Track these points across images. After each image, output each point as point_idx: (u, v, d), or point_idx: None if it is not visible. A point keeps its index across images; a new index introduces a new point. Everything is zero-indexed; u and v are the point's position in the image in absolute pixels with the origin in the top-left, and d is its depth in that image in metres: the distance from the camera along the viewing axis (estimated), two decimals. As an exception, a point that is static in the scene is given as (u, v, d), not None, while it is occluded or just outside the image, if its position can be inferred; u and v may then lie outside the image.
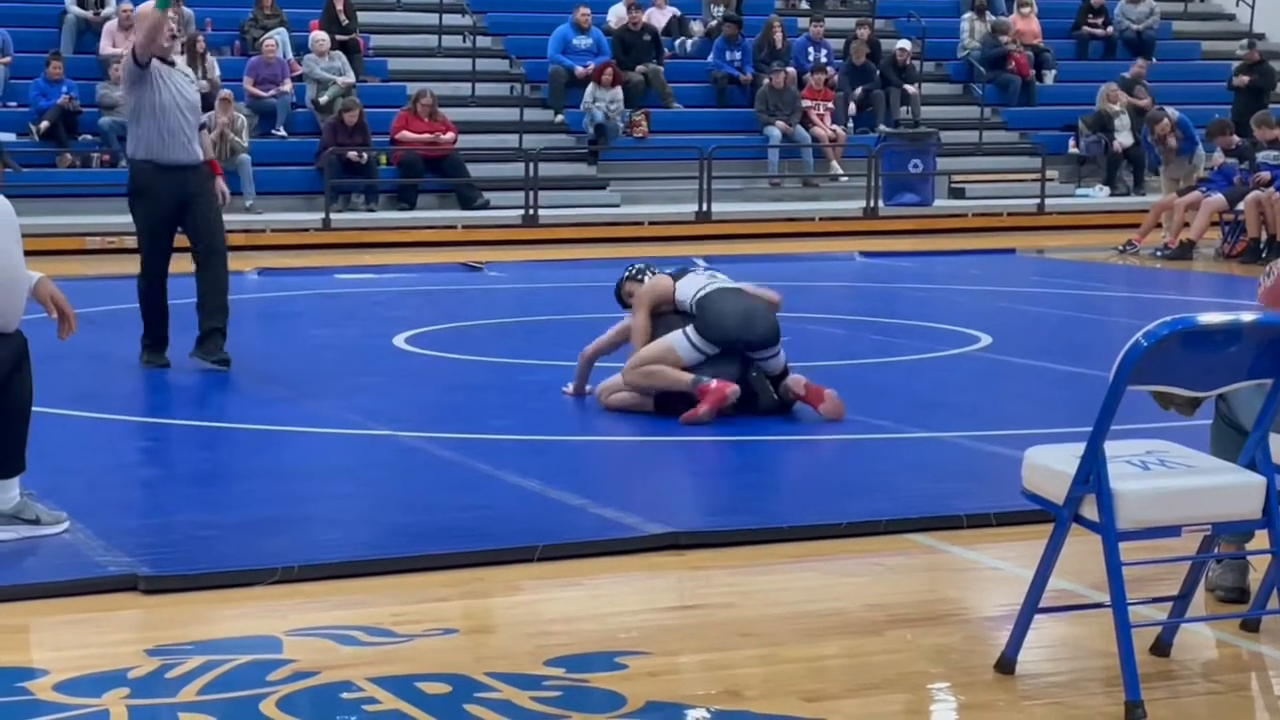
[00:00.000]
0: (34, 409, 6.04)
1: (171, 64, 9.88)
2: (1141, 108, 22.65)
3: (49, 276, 6.13)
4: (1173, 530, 4.53)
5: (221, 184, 10.40)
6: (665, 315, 8.59)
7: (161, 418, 8.61)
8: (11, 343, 5.90)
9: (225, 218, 10.09)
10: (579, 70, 21.87)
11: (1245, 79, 22.41)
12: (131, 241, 10.61)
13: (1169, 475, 4.53)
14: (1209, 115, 20.53)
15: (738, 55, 23.17)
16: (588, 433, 8.12)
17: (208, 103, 19.31)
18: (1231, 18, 28.13)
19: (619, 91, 21.71)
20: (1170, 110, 19.43)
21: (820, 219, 20.87)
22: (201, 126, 10.03)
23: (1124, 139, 22.94)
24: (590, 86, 21.63)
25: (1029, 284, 15.28)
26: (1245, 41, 24.60)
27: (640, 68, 22.39)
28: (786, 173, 22.43)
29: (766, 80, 22.38)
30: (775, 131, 22.00)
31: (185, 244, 9.78)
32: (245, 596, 5.41)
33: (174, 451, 7.81)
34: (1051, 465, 4.59)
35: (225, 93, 19.58)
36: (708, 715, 4.35)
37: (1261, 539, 4.71)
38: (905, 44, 23.95)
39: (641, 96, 22.30)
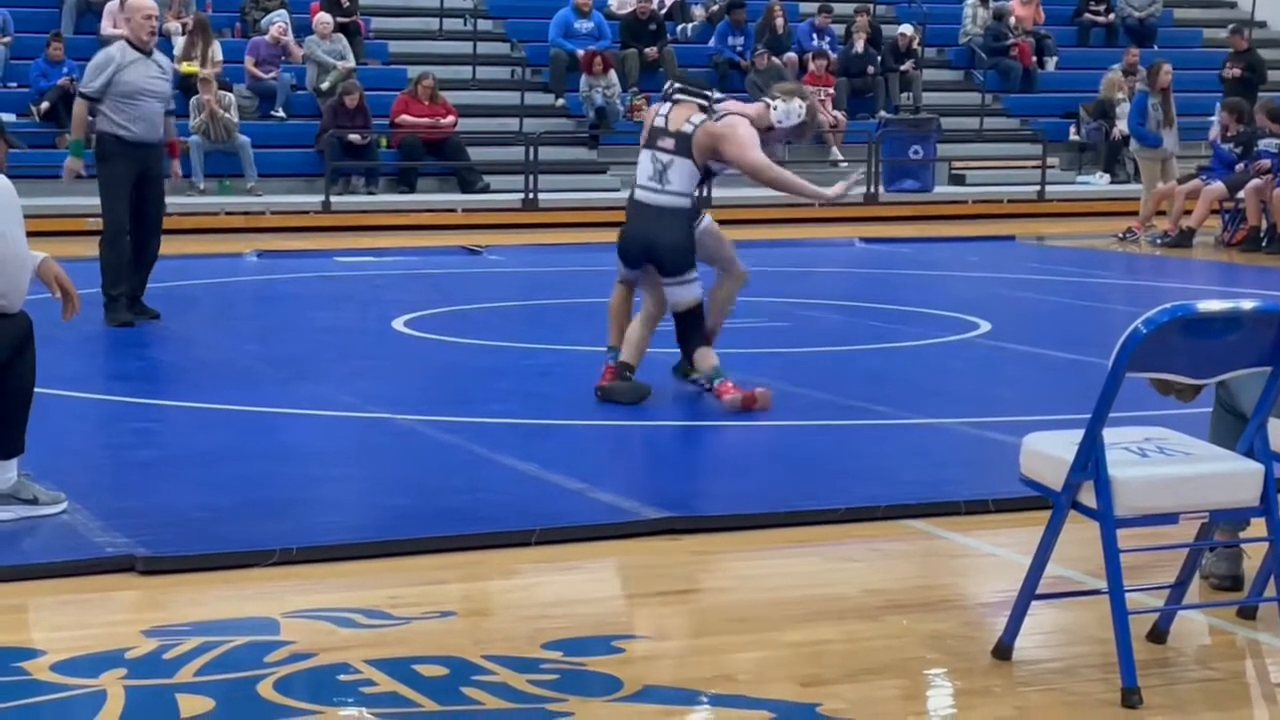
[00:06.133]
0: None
1: (148, 54, 10.89)
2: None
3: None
4: (1170, 517, 4.53)
5: (176, 165, 11.65)
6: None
7: (160, 399, 8.61)
8: (16, 324, 5.89)
9: (179, 199, 11.42)
10: (580, 54, 21.84)
11: (1236, 71, 22.33)
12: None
13: (1167, 462, 4.53)
14: (1210, 103, 20.52)
15: (740, 40, 23.13)
16: (587, 417, 8.11)
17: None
18: (1233, 5, 28.07)
19: (613, 76, 21.67)
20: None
21: (820, 204, 20.81)
22: (169, 113, 11.14)
23: (1125, 126, 22.89)
24: (583, 76, 21.59)
25: (1029, 271, 15.27)
26: (1232, 27, 24.36)
27: (650, 50, 22.35)
28: (787, 157, 22.38)
29: (751, 62, 22.35)
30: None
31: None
32: (243, 578, 5.41)
33: (172, 433, 7.80)
34: (1050, 452, 4.59)
35: (206, 72, 19.48)
36: (704, 699, 4.35)
37: (1258, 526, 4.71)
38: (907, 29, 23.92)
39: (649, 78, 22.26)
